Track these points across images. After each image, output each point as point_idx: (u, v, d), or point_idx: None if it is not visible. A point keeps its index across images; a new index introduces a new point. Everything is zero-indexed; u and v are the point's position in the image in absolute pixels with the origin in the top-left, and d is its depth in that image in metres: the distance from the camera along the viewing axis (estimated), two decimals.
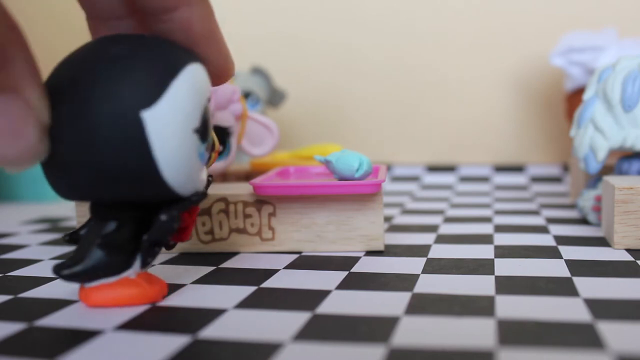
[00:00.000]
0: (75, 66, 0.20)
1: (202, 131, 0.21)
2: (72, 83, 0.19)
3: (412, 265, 0.27)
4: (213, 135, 0.23)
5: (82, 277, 0.21)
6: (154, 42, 0.20)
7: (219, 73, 0.23)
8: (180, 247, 0.31)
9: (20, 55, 0.18)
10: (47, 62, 0.21)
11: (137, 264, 0.22)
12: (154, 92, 0.19)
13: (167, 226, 0.21)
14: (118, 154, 0.19)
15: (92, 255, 0.21)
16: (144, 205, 0.21)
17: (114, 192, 0.20)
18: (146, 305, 0.22)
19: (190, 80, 0.20)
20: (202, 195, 0.22)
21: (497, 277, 0.25)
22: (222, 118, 0.33)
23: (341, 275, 0.26)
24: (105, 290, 0.21)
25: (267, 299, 0.23)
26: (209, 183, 0.24)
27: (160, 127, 0.19)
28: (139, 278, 0.22)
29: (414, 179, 0.60)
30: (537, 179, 0.58)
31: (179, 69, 0.20)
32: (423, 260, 0.28)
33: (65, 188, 0.20)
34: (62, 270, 0.21)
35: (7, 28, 0.17)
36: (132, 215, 0.21)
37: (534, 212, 0.41)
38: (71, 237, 0.23)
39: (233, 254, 0.30)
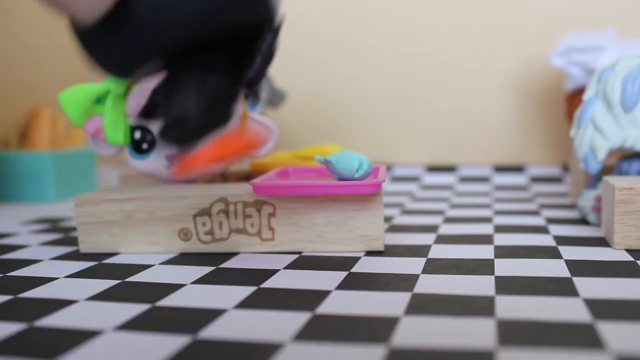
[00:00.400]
0: None
1: None
2: None
3: (412, 265, 0.27)
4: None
5: (198, 132, 0.20)
6: None
7: None
8: (180, 247, 0.31)
9: None
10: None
11: (237, 111, 0.21)
12: None
13: (275, 43, 0.21)
14: None
15: (203, 106, 0.19)
16: (224, 50, 0.20)
17: (221, 19, 0.19)
18: (146, 305, 0.22)
19: None
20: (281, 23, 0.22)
21: (497, 277, 0.25)
22: None
23: (341, 275, 0.26)
24: (215, 146, 0.20)
25: (267, 299, 0.23)
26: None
27: None
28: (240, 127, 0.22)
29: (414, 179, 0.60)
30: (537, 179, 0.58)
31: None
32: (423, 260, 0.28)
33: (144, 40, 0.18)
34: (172, 130, 0.19)
35: None
36: (223, 61, 0.20)
37: (534, 213, 0.41)
38: (145, 112, 0.22)
39: (233, 254, 0.30)
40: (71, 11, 0.17)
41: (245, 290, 0.24)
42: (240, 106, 0.21)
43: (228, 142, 0.20)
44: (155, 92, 0.21)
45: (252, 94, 0.21)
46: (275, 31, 0.21)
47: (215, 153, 0.20)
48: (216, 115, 0.20)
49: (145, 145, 0.32)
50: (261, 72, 0.21)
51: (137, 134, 0.32)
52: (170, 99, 0.20)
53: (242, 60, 0.21)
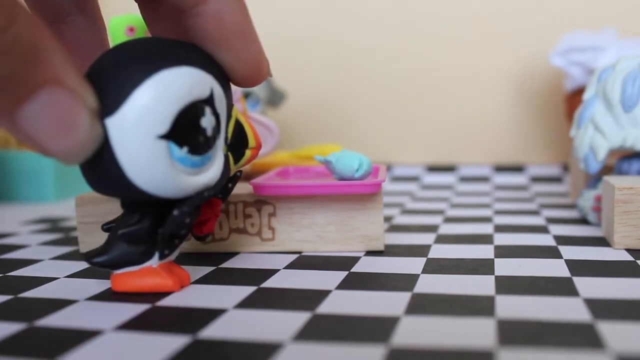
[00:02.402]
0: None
1: (178, 136, 0.20)
2: None
3: (412, 265, 0.27)
4: (247, 132, 0.24)
5: (108, 265, 0.23)
6: (138, 48, 0.21)
7: (250, 71, 0.22)
8: (180, 247, 0.30)
9: (52, 46, 0.18)
10: None
11: (157, 255, 0.23)
12: (115, 100, 0.20)
13: (179, 220, 0.22)
14: (95, 160, 0.20)
15: (116, 246, 0.23)
16: (164, 201, 0.22)
17: (97, 190, 0.22)
18: (147, 305, 0.22)
19: (160, 86, 0.20)
20: (212, 191, 0.23)
21: (497, 277, 0.25)
22: None
23: (341, 275, 0.26)
24: (129, 277, 0.23)
25: (267, 299, 0.23)
26: (235, 178, 0.26)
27: (121, 134, 0.20)
28: (160, 268, 0.23)
29: (414, 179, 0.60)
30: (537, 179, 0.58)
31: (145, 77, 0.20)
32: (423, 260, 0.28)
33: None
34: (91, 258, 0.23)
35: (32, 23, 0.17)
36: (151, 210, 0.23)
37: (534, 212, 0.41)
38: (107, 226, 0.24)
39: (233, 254, 0.30)
40: (54, 156, 0.19)
41: (245, 290, 0.24)
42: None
43: (139, 277, 0.24)
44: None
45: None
46: (180, 212, 0.22)
47: (130, 285, 0.24)
48: (131, 256, 0.23)
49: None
50: (162, 240, 0.23)
51: None
52: (109, 234, 0.24)
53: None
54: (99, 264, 0.23)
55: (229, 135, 0.24)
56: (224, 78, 0.23)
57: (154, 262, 0.23)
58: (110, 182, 0.21)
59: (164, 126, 0.20)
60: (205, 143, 0.22)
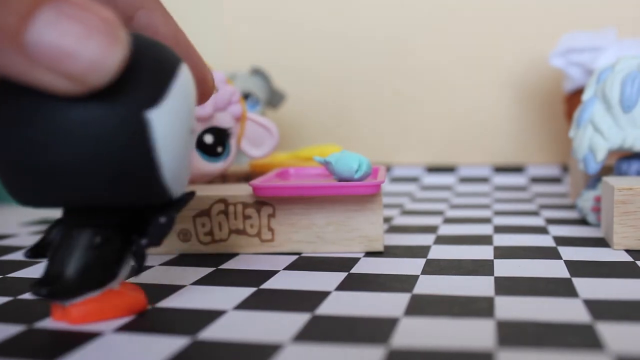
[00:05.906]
0: None
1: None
2: None
3: (411, 266, 0.27)
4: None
5: (68, 295, 0.20)
6: (146, 39, 0.19)
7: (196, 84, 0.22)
8: (180, 248, 0.31)
9: None
10: None
11: (122, 273, 0.21)
12: (158, 91, 0.18)
13: (166, 228, 0.20)
14: (119, 156, 0.17)
15: (78, 270, 0.19)
16: (125, 210, 0.20)
17: (102, 198, 0.18)
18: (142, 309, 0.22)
19: (186, 79, 0.19)
20: (192, 195, 0.21)
21: (496, 278, 0.25)
22: (221, 119, 0.33)
23: (341, 276, 0.26)
24: (91, 304, 0.20)
25: (266, 300, 0.23)
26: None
27: (164, 128, 0.18)
28: (122, 287, 0.21)
29: (413, 179, 0.60)
30: (536, 180, 0.58)
31: (176, 67, 0.19)
32: (422, 261, 0.28)
33: (31, 193, 0.18)
34: (42, 288, 0.19)
35: None
36: (119, 223, 0.20)
37: (534, 213, 0.41)
38: (33, 251, 0.20)
39: (233, 255, 0.30)
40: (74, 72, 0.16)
41: (245, 291, 0.24)
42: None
43: (107, 301, 0.20)
44: (49, 230, 0.21)
45: (136, 261, 0.20)
46: (169, 219, 0.20)
47: (93, 312, 0.20)
48: (96, 278, 0.20)
49: (220, 149, 0.33)
50: (141, 252, 0.20)
51: (209, 138, 0.32)
52: (54, 252, 0.20)
53: (138, 229, 0.20)
54: (57, 294, 0.19)
55: None
56: None
57: (116, 282, 0.21)
58: (134, 184, 0.18)
59: (193, 120, 0.20)
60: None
